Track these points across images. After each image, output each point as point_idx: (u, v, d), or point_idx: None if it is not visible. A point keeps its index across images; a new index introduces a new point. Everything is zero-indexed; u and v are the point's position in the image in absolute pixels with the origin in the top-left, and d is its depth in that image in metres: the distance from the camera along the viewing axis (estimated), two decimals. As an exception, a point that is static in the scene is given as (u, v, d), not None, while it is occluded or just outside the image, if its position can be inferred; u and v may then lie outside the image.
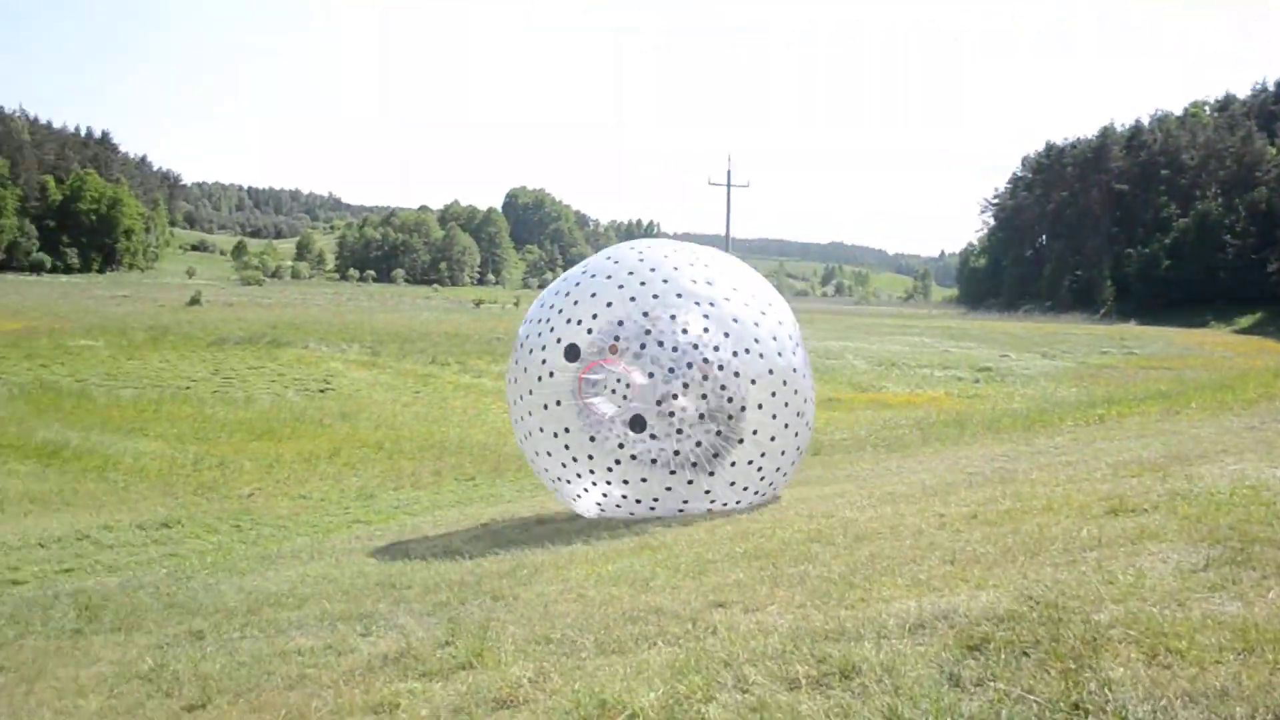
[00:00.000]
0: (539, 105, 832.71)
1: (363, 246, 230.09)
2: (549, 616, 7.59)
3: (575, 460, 12.25)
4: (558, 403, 12.14)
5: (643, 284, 12.12)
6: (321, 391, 38.33)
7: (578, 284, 12.70)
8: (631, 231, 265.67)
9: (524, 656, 6.39)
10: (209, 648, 8.10)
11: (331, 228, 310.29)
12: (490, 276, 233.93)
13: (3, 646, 9.17)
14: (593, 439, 11.95)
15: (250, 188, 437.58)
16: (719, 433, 11.84)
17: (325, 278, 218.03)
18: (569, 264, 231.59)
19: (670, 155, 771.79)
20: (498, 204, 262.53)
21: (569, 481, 12.69)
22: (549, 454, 12.56)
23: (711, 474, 12.05)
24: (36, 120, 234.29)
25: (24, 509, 19.57)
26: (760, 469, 12.36)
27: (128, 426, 28.91)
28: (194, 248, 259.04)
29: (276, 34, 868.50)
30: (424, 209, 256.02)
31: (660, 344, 11.71)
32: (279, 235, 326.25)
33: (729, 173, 61.34)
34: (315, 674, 6.76)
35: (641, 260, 12.57)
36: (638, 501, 12.27)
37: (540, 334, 12.50)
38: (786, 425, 12.36)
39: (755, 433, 12.04)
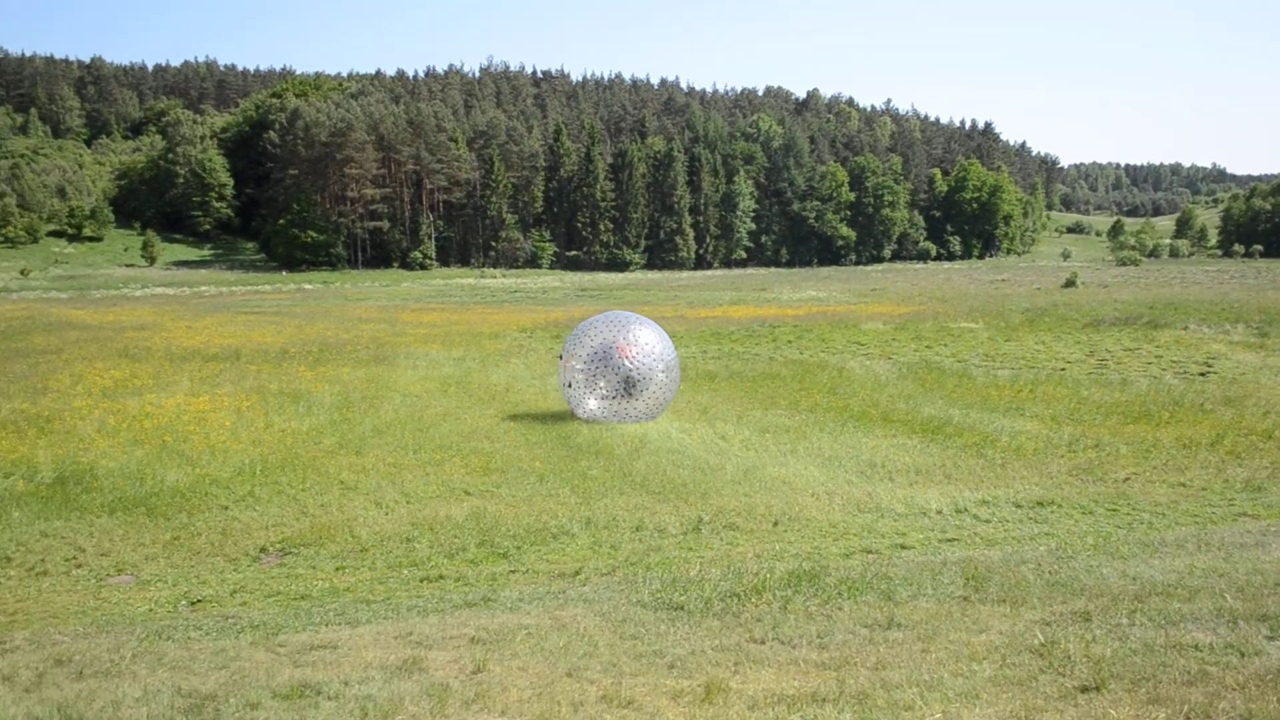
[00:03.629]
0: None
1: (1249, 219, 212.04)
2: None
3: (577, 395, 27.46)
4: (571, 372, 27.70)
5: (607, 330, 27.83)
6: (1202, 374, 36.05)
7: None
8: None
9: None
10: (1097, 630, 7.98)
11: (1215, 201, 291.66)
12: None
13: (900, 605, 9.90)
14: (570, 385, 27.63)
15: (1127, 165, 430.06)
16: (629, 391, 26.99)
17: (1207, 254, 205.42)
18: None
19: None
20: None
21: (581, 401, 27.41)
22: (569, 387, 27.70)
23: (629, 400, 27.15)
24: (926, 118, 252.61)
25: (910, 480, 21.05)
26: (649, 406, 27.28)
27: (1005, 406, 29.76)
28: (1069, 230, 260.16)
29: (1143, 11, 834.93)
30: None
31: (610, 358, 27.10)
32: (1157, 212, 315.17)
33: None
34: (1217, 673, 6.32)
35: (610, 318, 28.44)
36: (601, 413, 27.09)
37: (571, 344, 27.92)
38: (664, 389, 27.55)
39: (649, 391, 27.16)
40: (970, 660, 7.51)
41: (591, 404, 27.19)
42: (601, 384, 27.08)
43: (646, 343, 27.43)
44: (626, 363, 26.89)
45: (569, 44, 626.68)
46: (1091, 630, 8.01)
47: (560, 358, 28.55)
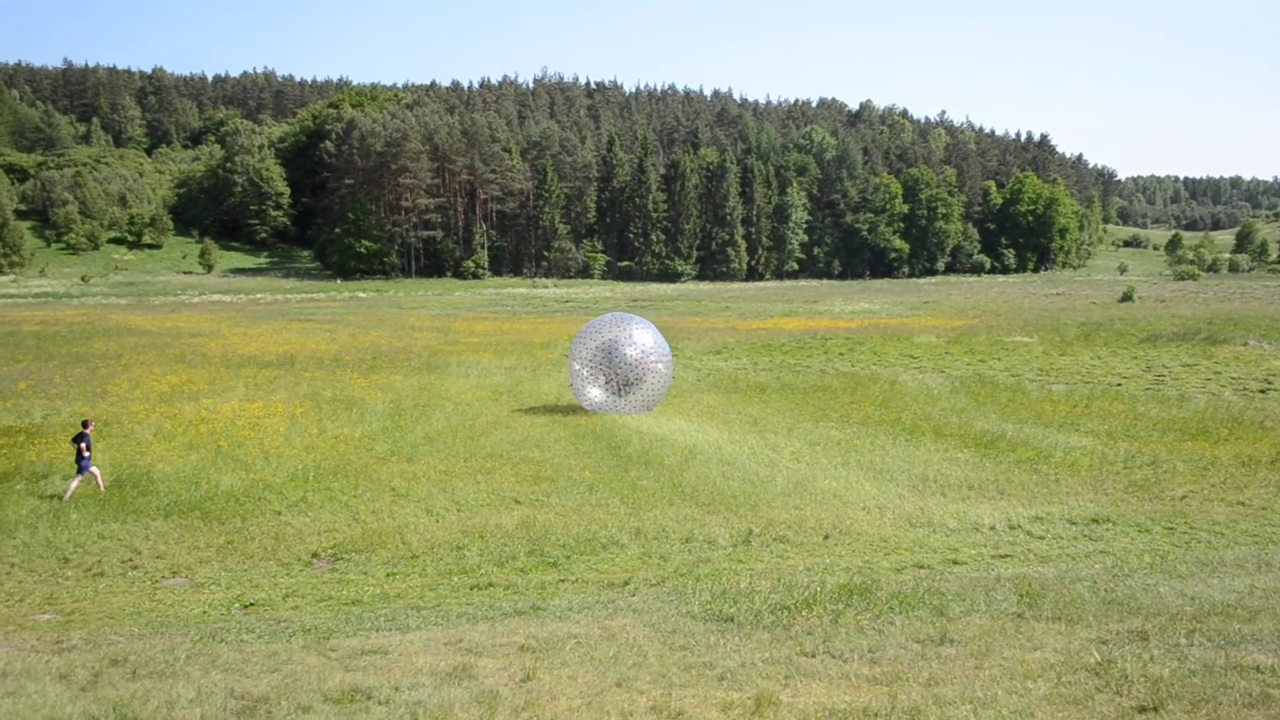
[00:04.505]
0: None
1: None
2: None
3: (584, 387, 31.77)
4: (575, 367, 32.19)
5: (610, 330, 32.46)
6: (1262, 391, 35.40)
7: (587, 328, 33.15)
8: None
9: None
10: (1155, 650, 7.84)
11: (1276, 215, 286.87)
12: None
13: (953, 621, 9.79)
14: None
15: (1186, 178, 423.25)
16: (627, 385, 31.45)
17: (1268, 269, 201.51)
18: None
19: None
20: None
21: (584, 391, 31.57)
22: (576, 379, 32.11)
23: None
24: (981, 130, 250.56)
25: (962, 494, 20.88)
26: (646, 398, 31.69)
27: (1059, 421, 29.41)
28: (1126, 243, 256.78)
29: (1203, 24, 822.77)
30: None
31: (611, 354, 31.75)
32: (1216, 226, 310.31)
33: None
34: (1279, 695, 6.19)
35: (612, 319, 33.37)
36: (603, 403, 31.24)
37: (574, 344, 32.42)
38: (655, 383, 31.90)
39: (644, 386, 31.67)
40: (1025, 678, 7.41)
41: (594, 393, 31.51)
42: (602, 377, 31.40)
43: (644, 342, 31.91)
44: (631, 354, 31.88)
45: (622, 55, 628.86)
46: (1149, 650, 7.87)
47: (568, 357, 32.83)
